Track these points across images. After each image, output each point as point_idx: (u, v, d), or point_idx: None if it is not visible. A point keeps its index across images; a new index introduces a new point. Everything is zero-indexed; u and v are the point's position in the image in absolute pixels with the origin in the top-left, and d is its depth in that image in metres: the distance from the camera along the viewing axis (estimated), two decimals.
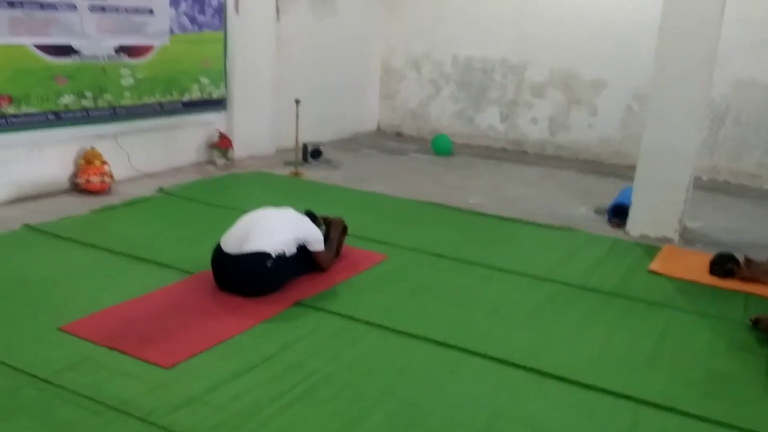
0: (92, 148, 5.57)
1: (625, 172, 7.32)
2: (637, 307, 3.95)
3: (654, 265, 4.61)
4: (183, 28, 6.24)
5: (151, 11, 5.88)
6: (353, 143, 8.66)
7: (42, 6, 5.02)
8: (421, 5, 9.05)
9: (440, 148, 8.21)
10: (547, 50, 8.33)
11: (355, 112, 9.14)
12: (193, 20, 6.32)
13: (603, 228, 5.50)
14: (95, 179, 5.46)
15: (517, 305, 3.87)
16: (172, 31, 6.13)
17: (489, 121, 8.90)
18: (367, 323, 3.48)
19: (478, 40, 8.75)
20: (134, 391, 2.73)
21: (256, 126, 7.20)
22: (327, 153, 7.42)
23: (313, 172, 6.83)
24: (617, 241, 5.15)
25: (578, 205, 6.16)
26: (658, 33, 5.07)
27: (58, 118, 5.31)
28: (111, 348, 3.07)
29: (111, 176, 5.60)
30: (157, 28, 5.97)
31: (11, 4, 4.83)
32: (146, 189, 5.75)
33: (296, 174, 6.68)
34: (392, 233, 4.97)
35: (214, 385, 2.82)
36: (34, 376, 2.79)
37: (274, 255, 3.71)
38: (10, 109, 4.97)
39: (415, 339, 3.34)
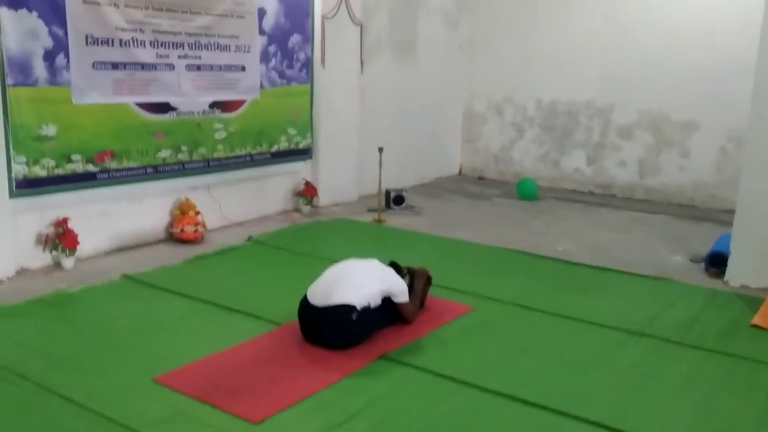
0: (187, 199, 5.81)
1: (721, 216, 7.00)
2: (741, 365, 3.72)
3: (757, 319, 4.34)
4: (272, 83, 6.47)
5: (243, 68, 6.14)
6: (435, 188, 8.68)
7: (143, 67, 5.33)
8: (503, 50, 9.06)
9: (525, 192, 8.10)
10: (634, 92, 8.14)
11: (437, 157, 9.18)
12: (282, 75, 6.55)
13: (700, 278, 5.25)
14: (189, 229, 5.68)
15: (611, 362, 3.72)
16: (262, 86, 6.37)
17: (575, 164, 8.74)
18: (453, 380, 3.42)
19: (562, 83, 8.65)
20: None
21: (340, 173, 7.34)
22: (409, 198, 7.45)
23: (395, 219, 6.87)
24: (716, 293, 4.89)
25: (672, 253, 5.91)
26: (755, 72, 4.87)
27: (156, 172, 5.58)
28: (203, 401, 3.14)
29: (204, 225, 5.81)
30: (249, 83, 6.22)
31: (115, 66, 5.15)
32: (236, 237, 5.93)
33: (379, 221, 6.74)
34: (477, 283, 4.91)
35: None
36: (131, 428, 2.88)
37: (359, 307, 3.73)
38: (113, 164, 5.26)
39: (505, 398, 3.25)
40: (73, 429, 2.88)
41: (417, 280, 4.33)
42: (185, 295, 4.52)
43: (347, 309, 3.71)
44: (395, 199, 7.31)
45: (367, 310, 3.78)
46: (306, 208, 6.96)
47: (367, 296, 3.79)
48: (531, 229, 6.69)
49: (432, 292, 4.49)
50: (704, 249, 5.68)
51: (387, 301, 3.96)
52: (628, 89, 8.18)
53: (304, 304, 3.86)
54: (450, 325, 4.16)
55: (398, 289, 3.99)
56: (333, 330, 3.72)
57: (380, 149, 6.71)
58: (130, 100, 5.30)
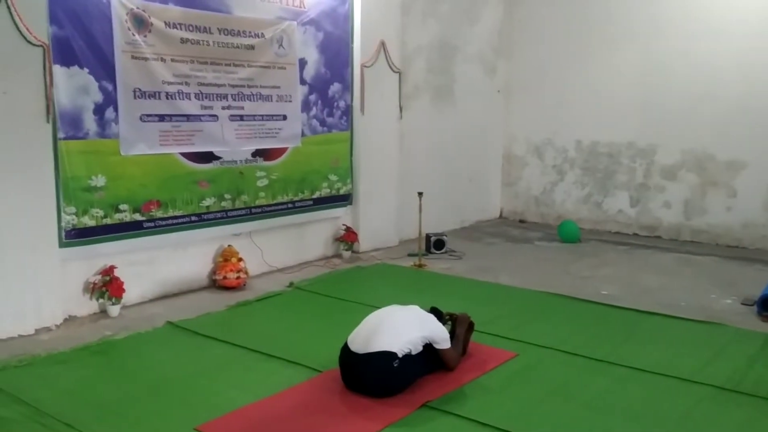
0: (229, 246, 5.90)
1: None
2: None
3: None
4: (313, 131, 6.58)
5: (284, 117, 6.27)
6: (476, 232, 8.63)
7: (188, 118, 5.48)
8: (541, 93, 9.09)
9: (567, 235, 8.00)
10: (676, 132, 8.04)
11: (478, 201, 9.16)
12: (322, 123, 6.67)
13: (753, 322, 5.07)
14: (232, 276, 5.74)
15: (661, 411, 3.59)
16: (303, 134, 6.48)
17: (618, 205, 8.62)
18: (498, 429, 3.34)
19: (603, 124, 8.60)
20: None
21: (381, 219, 7.36)
22: (450, 243, 7.42)
23: (436, 264, 6.84)
24: None
25: (723, 296, 5.74)
26: None
27: (200, 220, 5.69)
28: None
29: (246, 272, 5.87)
30: (290, 132, 6.34)
31: (161, 118, 5.31)
32: (278, 284, 5.97)
33: (420, 266, 6.71)
34: (520, 329, 4.83)
35: None
36: None
37: (400, 355, 3.69)
38: (159, 213, 5.38)
39: None
40: None
41: (459, 326, 4.28)
42: (227, 342, 4.54)
43: (388, 356, 3.67)
44: (435, 244, 7.29)
45: (408, 357, 3.74)
46: (346, 254, 6.98)
47: (408, 343, 3.76)
48: (574, 272, 6.59)
49: (474, 338, 4.43)
50: (756, 291, 5.52)
51: (428, 347, 3.91)
52: (670, 129, 8.09)
53: (345, 351, 3.84)
54: (493, 373, 4.08)
55: (439, 335, 3.94)
56: (374, 378, 3.68)
57: (420, 194, 6.72)
58: (176, 150, 5.44)
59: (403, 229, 7.57)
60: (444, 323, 4.16)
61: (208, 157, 5.67)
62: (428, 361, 3.91)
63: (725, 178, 7.81)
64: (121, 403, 3.63)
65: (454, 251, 7.33)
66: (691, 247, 7.71)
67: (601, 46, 8.51)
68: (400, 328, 3.82)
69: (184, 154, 5.51)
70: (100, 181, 4.98)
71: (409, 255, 7.09)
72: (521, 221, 9.37)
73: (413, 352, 3.78)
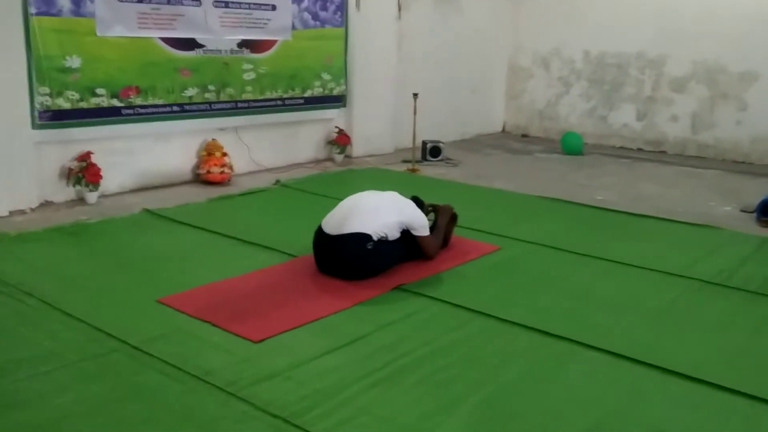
0: (213, 140, 5.71)
1: None
2: None
3: None
4: (305, 24, 6.29)
5: (273, 7, 5.97)
6: (476, 144, 8.39)
7: (168, 1, 5.21)
8: (550, 0, 8.66)
9: (570, 146, 7.76)
10: (688, 42, 7.66)
11: (480, 113, 8.87)
12: (315, 17, 6.36)
13: (751, 227, 4.89)
14: (215, 170, 5.58)
15: (645, 300, 3.46)
16: (294, 27, 6.19)
17: (624, 119, 8.32)
18: (470, 310, 3.22)
19: (612, 34, 8.21)
20: (219, 363, 2.64)
21: (376, 124, 7.13)
22: (447, 152, 7.19)
23: (430, 170, 6.64)
24: (767, 241, 4.53)
25: (722, 204, 5.54)
26: None
27: (182, 110, 5.48)
28: (203, 320, 3.02)
29: (231, 168, 5.70)
30: (279, 23, 6.05)
31: (140, 0, 5.05)
32: (265, 182, 5.81)
33: (413, 171, 6.52)
34: (508, 227, 4.66)
35: (300, 361, 2.68)
36: (126, 342, 2.79)
37: (375, 237, 3.55)
38: (138, 100, 5.18)
39: (522, 328, 3.04)
40: (69, 340, 2.80)
41: (440, 216, 4.12)
42: (203, 229, 4.42)
43: (362, 238, 3.53)
44: (432, 151, 7.08)
45: (384, 241, 3.60)
46: (339, 158, 6.79)
47: (383, 226, 3.60)
48: (570, 180, 6.38)
49: (458, 233, 4.28)
50: (758, 201, 5.30)
51: (406, 234, 3.76)
52: (681, 39, 7.71)
53: (319, 233, 3.70)
54: (474, 263, 3.95)
55: (418, 221, 3.78)
56: (347, 259, 3.55)
57: (415, 95, 6.46)
58: (156, 34, 5.19)
59: (400, 137, 7.33)
60: (426, 214, 3.99)
61: (190, 44, 5.42)
62: (405, 247, 3.77)
63: (736, 90, 7.48)
64: (86, 279, 3.54)
65: (451, 159, 7.12)
66: (696, 162, 7.47)
67: None
68: (376, 211, 3.66)
69: (164, 40, 5.26)
70: (75, 62, 4.77)
71: (404, 161, 6.89)
72: (524, 135, 9.11)
73: (389, 237, 3.64)
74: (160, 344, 2.78)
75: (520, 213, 5.15)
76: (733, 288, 3.63)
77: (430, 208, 4.13)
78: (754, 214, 5.09)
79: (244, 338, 2.86)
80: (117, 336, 2.84)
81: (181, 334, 2.90)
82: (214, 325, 2.98)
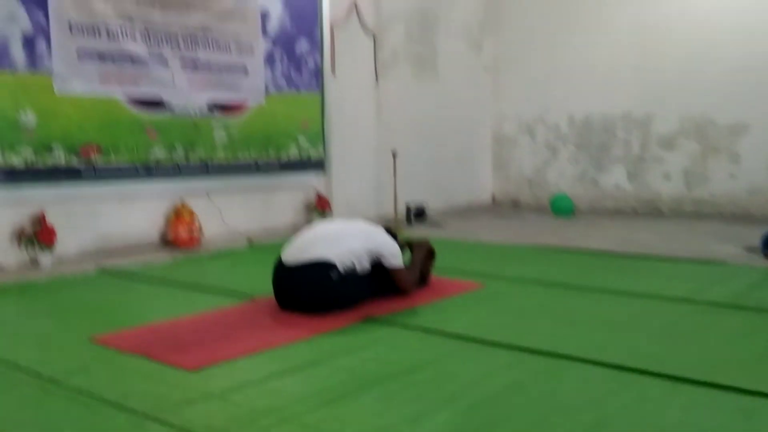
0: (182, 203, 5.42)
1: None
2: None
3: None
4: (279, 88, 6.16)
5: (245, 70, 5.85)
6: (463, 211, 8.11)
7: (132, 59, 5.07)
8: (530, 68, 8.63)
9: (560, 207, 7.49)
10: (673, 98, 7.54)
11: (467, 183, 8.64)
12: (289, 81, 6.25)
13: (757, 261, 4.51)
14: (183, 231, 5.26)
15: (648, 320, 3.04)
16: (267, 91, 6.05)
17: (615, 181, 8.08)
18: (446, 334, 2.81)
19: (596, 97, 8.12)
20: (142, 389, 2.22)
21: (357, 188, 6.89)
22: (434, 217, 6.90)
23: (413, 232, 6.31)
24: None
25: (724, 245, 5.18)
26: None
27: (148, 172, 5.23)
28: (136, 354, 2.61)
29: (200, 230, 5.39)
30: (252, 86, 5.92)
31: (101, 56, 4.90)
32: (237, 245, 5.47)
33: (393, 229, 6.18)
34: (492, 269, 4.29)
35: (240, 385, 2.26)
36: (39, 375, 2.37)
37: (340, 267, 3.18)
38: (99, 160, 4.94)
39: (504, 348, 2.62)
40: None
41: (416, 251, 3.75)
42: (162, 282, 4.05)
43: (324, 266, 3.16)
44: (417, 213, 6.79)
45: (351, 273, 3.23)
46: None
47: (349, 254, 3.24)
48: (562, 234, 6.05)
49: (438, 275, 3.91)
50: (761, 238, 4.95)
51: (378, 268, 3.39)
52: (666, 96, 7.60)
53: (277, 265, 3.33)
54: (454, 297, 3.55)
55: (388, 249, 3.42)
56: (308, 291, 3.17)
57: (394, 154, 6.24)
58: (118, 91, 5.01)
59: (383, 202, 7.06)
60: (400, 249, 3.63)
61: (156, 102, 5.24)
62: (377, 282, 3.39)
63: (727, 143, 7.28)
64: (19, 318, 3.17)
65: (437, 222, 6.81)
66: (693, 216, 7.15)
67: (590, 14, 8.09)
68: (341, 236, 3.32)
69: (128, 98, 5.08)
70: (29, 117, 4.56)
71: (385, 226, 6.55)
72: (514, 203, 8.84)
73: (357, 268, 3.27)
74: (78, 377, 2.36)
75: (506, 258, 4.79)
76: (745, 308, 3.21)
77: (404, 243, 3.77)
78: (760, 247, 4.72)
79: (178, 367, 2.44)
80: (29, 368, 2.43)
81: (106, 366, 2.49)
82: (147, 358, 2.57)
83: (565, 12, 8.26)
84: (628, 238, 5.65)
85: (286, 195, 6.37)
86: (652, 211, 7.73)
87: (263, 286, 3.52)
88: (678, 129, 7.58)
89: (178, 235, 5.26)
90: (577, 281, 3.86)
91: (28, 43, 4.53)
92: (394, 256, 3.42)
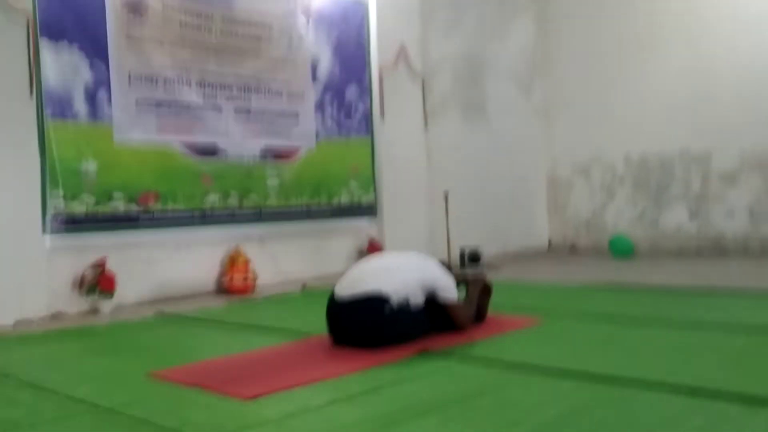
0: (237, 250, 5.46)
1: None
2: None
3: None
4: (329, 133, 6.24)
5: (296, 115, 5.96)
6: (519, 256, 7.95)
7: (188, 107, 5.22)
8: (583, 109, 8.54)
9: (619, 248, 7.27)
10: (733, 132, 7.32)
11: (521, 227, 8.49)
12: (340, 125, 6.33)
13: None
14: (238, 277, 5.29)
15: (714, 350, 2.86)
16: (318, 136, 6.14)
17: (676, 221, 7.82)
18: (506, 364, 2.70)
19: (652, 135, 7.94)
20: (198, 418, 2.18)
21: (409, 233, 6.82)
22: (489, 260, 6.78)
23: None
24: None
25: None
26: None
27: (203, 217, 5.31)
28: (191, 387, 2.58)
29: (255, 276, 5.41)
30: (303, 131, 6.02)
31: (159, 105, 5.06)
32: (291, 291, 5.46)
33: (448, 264, 6.09)
34: (551, 305, 4.15)
35: (295, 412, 2.20)
36: (97, 405, 2.36)
37: (394, 299, 3.10)
38: (157, 206, 5.05)
39: (566, 376, 2.48)
40: (35, 407, 2.39)
41: (472, 286, 3.66)
42: (216, 324, 4.05)
43: (378, 300, 3.09)
44: (470, 257, 6.69)
45: (405, 307, 3.14)
46: None
47: (403, 286, 3.17)
48: (623, 274, 5.84)
49: (495, 312, 3.78)
50: None
51: (433, 303, 3.30)
52: (725, 130, 7.38)
53: (330, 300, 3.29)
54: (513, 333, 3.42)
55: (443, 282, 3.34)
56: (361, 325, 3.09)
57: (446, 194, 6.20)
58: (175, 139, 5.14)
59: (436, 247, 6.96)
60: (456, 286, 3.54)
61: (211, 150, 5.36)
62: (431, 318, 3.28)
63: None
64: (79, 358, 3.21)
65: (493, 265, 6.69)
66: (761, 255, 6.84)
67: (643, 51, 7.99)
68: (394, 268, 3.26)
69: (184, 146, 5.21)
70: (91, 166, 4.71)
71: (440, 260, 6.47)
72: (572, 248, 8.64)
73: (411, 302, 3.17)
74: (135, 408, 2.33)
75: (565, 296, 4.65)
76: None
77: (460, 279, 3.68)
78: None
79: (234, 397, 2.40)
80: (88, 401, 2.42)
81: (163, 398, 2.46)
82: (203, 389, 2.53)
83: (615, 50, 8.19)
84: (693, 276, 5.41)
85: (339, 241, 6.37)
86: (716, 250, 7.44)
87: (317, 326, 3.46)
88: (739, 164, 7.34)
89: (233, 281, 5.29)
90: (641, 314, 3.69)
91: (90, 95, 4.72)
92: (448, 290, 3.34)
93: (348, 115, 6.39)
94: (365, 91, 6.55)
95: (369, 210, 6.58)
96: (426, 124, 7.14)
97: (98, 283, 4.62)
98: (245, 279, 5.32)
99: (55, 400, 2.47)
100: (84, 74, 4.69)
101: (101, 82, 4.76)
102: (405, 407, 2.19)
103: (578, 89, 8.59)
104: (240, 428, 2.05)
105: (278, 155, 5.81)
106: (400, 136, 6.80)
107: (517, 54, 8.52)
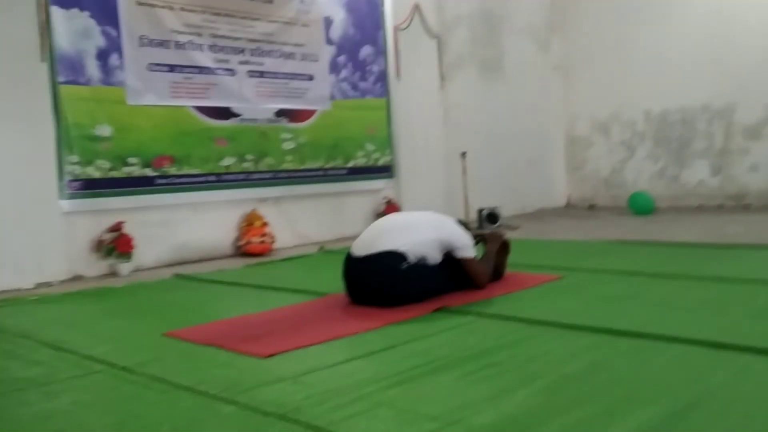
0: (254, 211, 5.45)
1: None
2: None
3: None
4: (345, 94, 6.16)
5: (311, 77, 5.88)
6: (537, 215, 7.88)
7: (201, 70, 5.17)
8: (602, 65, 8.37)
9: (639, 205, 7.16)
10: (756, 85, 7.15)
11: (540, 186, 8.41)
12: (354, 87, 6.25)
13: None
14: (255, 240, 5.29)
15: (740, 303, 2.81)
16: (333, 97, 6.06)
17: (698, 176, 7.70)
18: (525, 320, 2.67)
19: (673, 89, 7.78)
20: (214, 375, 2.18)
21: (426, 193, 6.78)
22: (507, 220, 6.72)
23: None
24: None
25: None
26: None
27: (219, 180, 5.30)
28: (208, 345, 2.58)
29: (272, 237, 5.40)
30: (318, 93, 5.95)
31: (171, 68, 5.01)
32: (308, 252, 5.45)
33: (465, 221, 6.04)
34: (572, 263, 4.09)
35: (312, 369, 2.19)
36: (113, 365, 2.37)
37: (410, 256, 3.08)
38: (172, 169, 5.03)
39: (586, 330, 2.45)
40: (53, 366, 2.41)
41: (490, 243, 3.61)
42: (233, 283, 4.06)
43: (394, 257, 3.07)
44: (488, 217, 6.61)
45: (422, 263, 3.12)
46: None
47: (420, 244, 3.14)
48: (643, 231, 5.77)
49: (513, 270, 3.74)
50: None
51: (450, 260, 3.27)
52: (749, 83, 7.21)
53: (347, 258, 3.27)
54: (532, 289, 3.39)
55: (460, 240, 3.30)
56: (378, 282, 3.07)
57: (463, 154, 6.14)
58: (188, 103, 5.11)
59: (454, 207, 6.90)
60: (474, 243, 3.50)
61: (225, 113, 5.32)
62: (449, 275, 3.25)
63: None
64: (96, 318, 3.23)
65: (511, 224, 6.63)
66: None
67: (662, 2, 7.78)
68: (411, 226, 3.23)
69: (198, 108, 5.17)
70: (105, 130, 4.69)
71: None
72: (590, 206, 8.55)
73: (428, 259, 3.15)
74: (151, 366, 2.34)
75: (585, 253, 4.59)
76: None
77: (477, 238, 3.64)
78: None
79: (251, 355, 2.40)
80: (106, 360, 2.43)
81: (179, 357, 2.47)
82: (220, 347, 2.53)
83: (635, 4, 7.98)
84: (715, 232, 5.33)
85: (355, 201, 6.34)
86: (739, 205, 7.32)
87: (335, 285, 3.45)
88: (764, 117, 7.18)
89: (250, 242, 5.28)
90: (663, 270, 3.64)
91: (102, 60, 4.67)
92: (465, 247, 3.30)
93: (363, 77, 6.30)
94: (380, 51, 6.44)
95: (386, 171, 6.53)
96: (442, 83, 7.03)
97: (116, 245, 4.64)
98: (262, 241, 5.32)
99: (73, 360, 2.48)
100: (96, 39, 4.63)
101: (113, 48, 4.71)
102: (423, 363, 2.17)
103: (597, 44, 8.41)
104: (257, 386, 2.04)
105: (293, 117, 5.76)
106: (416, 96, 6.71)
107: (534, 9, 8.34)
